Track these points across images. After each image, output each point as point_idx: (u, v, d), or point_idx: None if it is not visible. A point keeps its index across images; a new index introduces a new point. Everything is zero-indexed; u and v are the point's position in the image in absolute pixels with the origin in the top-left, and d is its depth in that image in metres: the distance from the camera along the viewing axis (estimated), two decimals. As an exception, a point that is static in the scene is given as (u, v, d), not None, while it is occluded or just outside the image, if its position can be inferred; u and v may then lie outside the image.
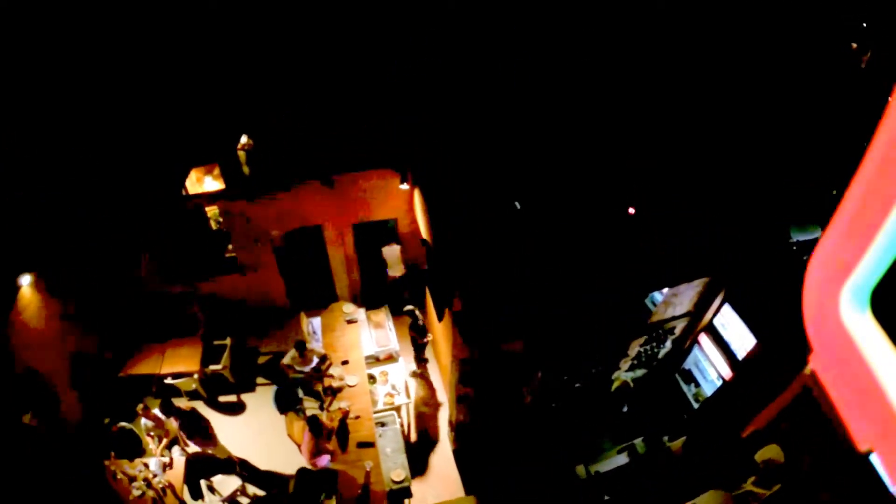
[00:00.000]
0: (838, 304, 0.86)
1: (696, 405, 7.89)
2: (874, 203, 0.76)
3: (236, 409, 8.16)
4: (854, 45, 10.82)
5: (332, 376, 7.13)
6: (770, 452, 6.04)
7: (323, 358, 7.18)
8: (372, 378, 7.42)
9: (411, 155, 7.86)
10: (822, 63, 10.20)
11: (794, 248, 7.21)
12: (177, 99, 9.06)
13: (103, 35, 7.15)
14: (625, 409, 7.91)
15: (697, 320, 7.48)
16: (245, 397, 8.27)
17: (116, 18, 7.10)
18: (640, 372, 7.96)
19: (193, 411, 6.61)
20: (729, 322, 7.29)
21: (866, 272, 0.81)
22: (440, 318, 6.67)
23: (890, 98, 0.77)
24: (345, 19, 8.77)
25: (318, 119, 9.27)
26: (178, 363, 8.06)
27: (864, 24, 10.84)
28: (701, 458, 7.17)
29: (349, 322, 7.79)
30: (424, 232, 7.33)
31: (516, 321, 5.83)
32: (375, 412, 7.12)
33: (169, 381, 7.97)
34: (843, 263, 0.83)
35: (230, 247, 8.68)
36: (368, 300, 9.26)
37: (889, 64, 10.11)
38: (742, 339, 7.11)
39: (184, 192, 9.24)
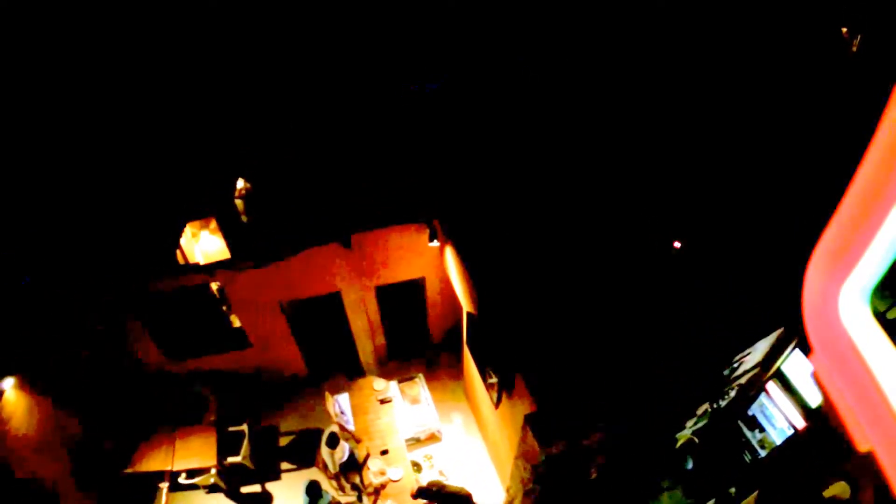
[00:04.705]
0: (838, 304, 0.84)
1: (761, 451, 7.34)
2: (874, 203, 0.74)
3: (262, 501, 7.32)
4: (845, 31, 10.29)
5: (372, 470, 6.32)
6: (836, 489, 5.73)
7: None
8: (416, 465, 6.63)
9: (439, 203, 6.94)
10: (818, 60, 9.62)
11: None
12: (165, 142, 7.98)
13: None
14: (689, 465, 7.31)
15: (766, 369, 6.86)
16: (270, 486, 7.42)
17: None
18: (701, 423, 7.35)
19: None
20: (799, 368, 6.71)
21: (866, 272, 0.81)
22: (497, 406, 5.89)
23: (889, 100, 0.67)
24: (356, 36, 7.75)
25: (326, 153, 8.26)
26: (192, 456, 7.16)
27: (850, 7, 10.30)
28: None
29: (382, 402, 6.92)
30: (464, 299, 6.46)
31: (599, 412, 5.07)
32: (425, 505, 6.36)
33: (184, 480, 7.08)
34: (843, 264, 0.81)
35: (236, 317, 7.74)
36: (395, 356, 8.47)
37: (881, 47, 9.63)
38: (814, 387, 6.54)
39: (179, 253, 8.24)
